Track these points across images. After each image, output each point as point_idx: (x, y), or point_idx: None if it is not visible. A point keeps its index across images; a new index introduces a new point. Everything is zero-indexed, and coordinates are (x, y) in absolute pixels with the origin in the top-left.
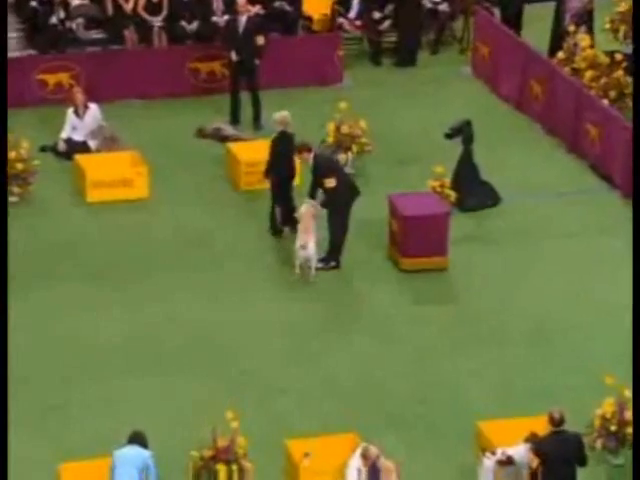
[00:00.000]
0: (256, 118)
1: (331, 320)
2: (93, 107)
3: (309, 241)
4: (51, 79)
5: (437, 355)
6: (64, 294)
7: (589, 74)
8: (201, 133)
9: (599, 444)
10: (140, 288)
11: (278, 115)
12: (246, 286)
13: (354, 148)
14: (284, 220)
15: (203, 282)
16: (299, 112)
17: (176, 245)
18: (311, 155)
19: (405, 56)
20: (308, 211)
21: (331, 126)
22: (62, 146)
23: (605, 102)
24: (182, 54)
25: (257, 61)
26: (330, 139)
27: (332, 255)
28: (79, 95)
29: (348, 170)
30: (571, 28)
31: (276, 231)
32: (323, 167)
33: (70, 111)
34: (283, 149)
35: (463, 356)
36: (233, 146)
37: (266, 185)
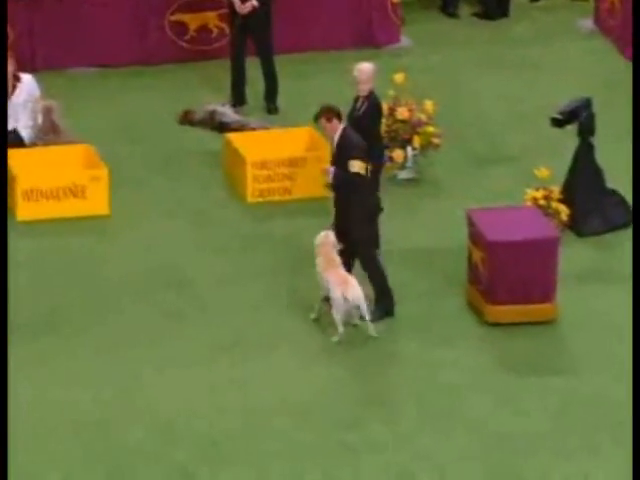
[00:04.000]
0: (270, 97)
1: (376, 402)
2: (27, 79)
3: (353, 283)
4: None
5: (545, 455)
6: None
7: None
8: (188, 118)
9: None
10: (88, 348)
11: (364, 67)
12: (243, 349)
13: (416, 140)
14: None
15: (180, 341)
16: (334, 87)
17: (145, 284)
18: (340, 126)
19: (492, 4)
20: (328, 239)
21: (383, 108)
22: None
23: None
24: (160, 1)
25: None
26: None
27: (381, 303)
28: (7, 61)
29: (407, 174)
30: None
31: None
32: (352, 144)
33: None
34: (375, 120)
35: (584, 457)
36: (235, 138)
37: (285, 195)
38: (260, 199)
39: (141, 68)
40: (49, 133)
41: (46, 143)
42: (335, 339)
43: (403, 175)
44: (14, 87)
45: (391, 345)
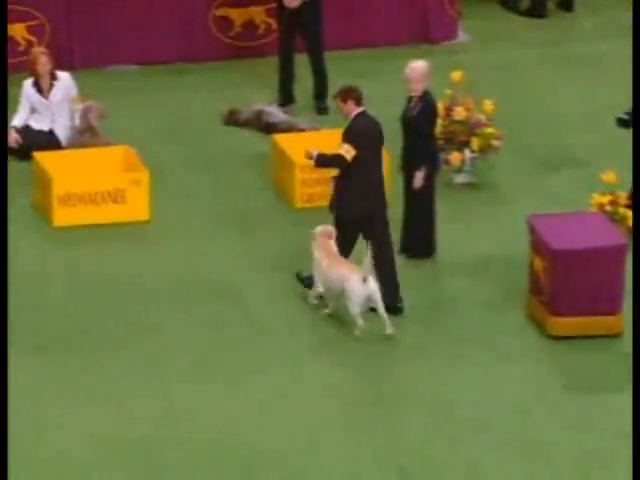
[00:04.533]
0: (320, 96)
1: (434, 418)
2: (64, 78)
3: (356, 270)
4: None
5: (608, 475)
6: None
7: None
8: (233, 118)
9: None
10: (127, 364)
11: (417, 65)
12: (288, 363)
13: (474, 142)
14: (422, 246)
15: (222, 355)
16: (388, 85)
17: (188, 296)
18: (356, 109)
19: (538, 1)
20: (326, 229)
21: (439, 108)
22: (15, 138)
23: None
24: None
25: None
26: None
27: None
28: (43, 59)
29: (465, 178)
30: None
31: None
32: (354, 128)
33: (28, 84)
34: (430, 122)
35: None
36: (283, 139)
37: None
38: (309, 204)
39: (183, 65)
40: (84, 134)
41: (82, 144)
42: (357, 333)
43: (460, 179)
44: (51, 86)
45: (447, 356)
